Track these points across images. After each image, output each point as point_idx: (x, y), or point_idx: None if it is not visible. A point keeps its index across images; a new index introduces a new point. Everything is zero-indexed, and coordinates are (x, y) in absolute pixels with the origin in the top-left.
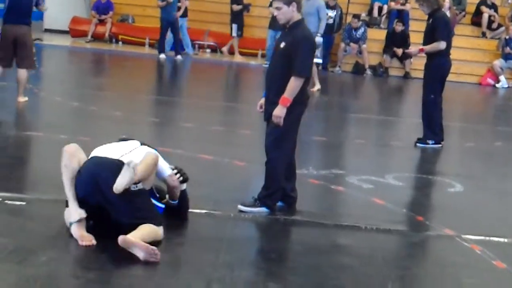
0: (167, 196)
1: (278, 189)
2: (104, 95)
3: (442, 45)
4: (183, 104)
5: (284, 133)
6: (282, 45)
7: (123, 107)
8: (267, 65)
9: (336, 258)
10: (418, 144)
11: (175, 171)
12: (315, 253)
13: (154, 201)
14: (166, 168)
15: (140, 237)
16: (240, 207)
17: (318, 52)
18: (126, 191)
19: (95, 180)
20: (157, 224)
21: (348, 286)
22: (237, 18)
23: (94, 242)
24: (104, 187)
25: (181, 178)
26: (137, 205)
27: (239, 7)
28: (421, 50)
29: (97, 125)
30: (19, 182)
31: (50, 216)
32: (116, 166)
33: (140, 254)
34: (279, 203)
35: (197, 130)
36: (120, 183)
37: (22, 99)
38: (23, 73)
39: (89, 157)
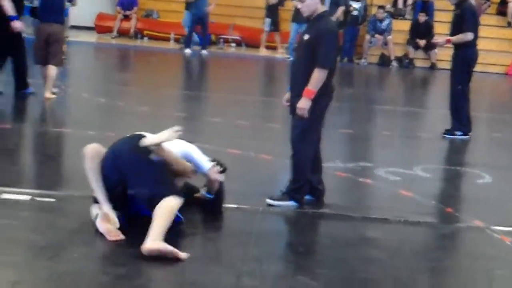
0: (202, 190)
1: (305, 182)
2: (131, 90)
3: (469, 36)
4: (209, 99)
5: (309, 126)
6: (306, 37)
7: (149, 102)
8: (290, 59)
9: (365, 251)
10: (446, 135)
11: (214, 162)
12: (343, 246)
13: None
14: (205, 161)
15: (159, 234)
16: (269, 201)
17: None
18: (146, 159)
19: (114, 154)
20: (178, 195)
21: (376, 279)
22: (271, 12)
23: (122, 236)
24: (123, 158)
25: (220, 169)
26: (156, 177)
27: (274, 1)
28: (448, 41)
29: (124, 120)
30: (49, 179)
31: (80, 213)
32: (136, 138)
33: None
34: (307, 197)
35: (224, 125)
36: (152, 138)
37: (50, 95)
38: (52, 69)
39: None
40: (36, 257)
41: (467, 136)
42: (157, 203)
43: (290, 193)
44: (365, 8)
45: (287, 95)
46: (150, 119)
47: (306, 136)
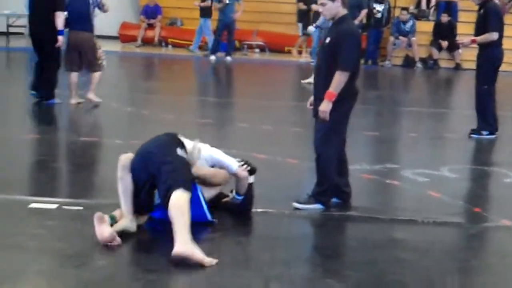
0: (231, 192)
1: (331, 184)
2: (156, 98)
3: (494, 36)
4: (234, 105)
5: (333, 129)
6: (328, 40)
7: (175, 109)
8: (313, 63)
9: (393, 252)
10: (472, 135)
11: (242, 162)
12: (371, 248)
13: (204, 209)
14: (233, 162)
15: (186, 235)
16: (295, 204)
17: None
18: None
19: (144, 153)
20: (186, 189)
21: (406, 280)
22: (302, 17)
23: (117, 240)
24: (154, 158)
25: (249, 168)
26: (175, 165)
27: (303, 6)
28: (473, 41)
29: (150, 129)
30: (76, 187)
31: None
32: (170, 138)
33: (195, 262)
34: (334, 199)
35: (250, 130)
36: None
37: (94, 98)
38: (94, 76)
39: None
40: (63, 266)
41: (493, 136)
42: (169, 196)
43: (316, 196)
44: (389, 10)
45: (311, 99)
46: (176, 126)
47: (329, 139)
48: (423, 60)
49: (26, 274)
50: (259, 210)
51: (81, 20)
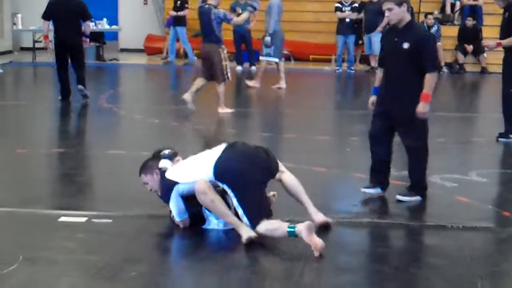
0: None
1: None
2: (183, 110)
3: None
4: (259, 114)
5: (427, 126)
6: (406, 46)
7: (202, 120)
8: (339, 70)
9: (424, 258)
10: (500, 139)
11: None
12: (402, 254)
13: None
14: None
15: None
16: (398, 197)
17: (270, 50)
18: None
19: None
20: None
21: (437, 286)
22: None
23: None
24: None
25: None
26: None
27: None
28: (498, 44)
29: (178, 140)
30: (104, 200)
31: (135, 232)
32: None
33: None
34: (379, 189)
35: (273, 138)
36: None
37: (222, 110)
38: (218, 87)
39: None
40: (95, 278)
41: None
42: None
43: (419, 191)
44: (412, 15)
45: (373, 99)
46: (204, 137)
47: (424, 135)
48: (448, 65)
49: (58, 287)
50: (287, 218)
51: (207, 33)
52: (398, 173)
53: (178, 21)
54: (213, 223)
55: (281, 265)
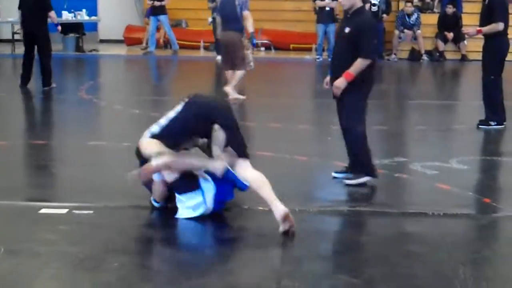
0: None
1: (366, 152)
2: (164, 100)
3: (500, 26)
4: (240, 104)
5: (355, 107)
6: (347, 30)
7: None
8: (319, 59)
9: (405, 246)
10: (480, 126)
11: None
12: (383, 242)
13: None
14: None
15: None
16: (346, 181)
17: None
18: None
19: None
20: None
21: (419, 273)
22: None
23: None
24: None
25: None
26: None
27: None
28: (478, 31)
29: None
30: (85, 191)
31: (117, 223)
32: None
33: (286, 227)
34: (367, 177)
35: (257, 128)
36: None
37: (233, 94)
38: (236, 73)
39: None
40: (77, 269)
41: (501, 126)
42: None
43: (360, 169)
44: (387, 3)
45: (327, 79)
46: None
47: (354, 117)
48: (429, 53)
49: (39, 279)
50: (268, 208)
51: (226, 21)
52: (379, 161)
53: (160, 10)
54: (184, 212)
55: (260, 253)
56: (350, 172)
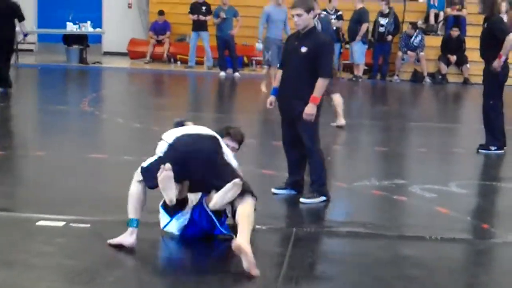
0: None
1: (326, 173)
2: (165, 115)
3: (511, 37)
4: (241, 120)
5: (317, 127)
6: (304, 50)
7: None
8: None
9: (402, 269)
10: (480, 151)
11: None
12: (380, 265)
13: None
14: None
15: (248, 237)
16: (302, 200)
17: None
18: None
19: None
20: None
21: None
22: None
23: None
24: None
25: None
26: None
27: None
28: (500, 57)
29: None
30: (83, 204)
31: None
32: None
33: (245, 264)
34: (292, 191)
35: (257, 145)
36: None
37: (341, 122)
38: (337, 97)
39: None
40: (72, 283)
41: (502, 151)
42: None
43: (319, 190)
44: (395, 24)
45: (271, 98)
46: None
47: (317, 136)
48: (431, 75)
49: None
50: (264, 227)
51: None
52: (379, 183)
53: (203, 27)
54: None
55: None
56: (290, 188)
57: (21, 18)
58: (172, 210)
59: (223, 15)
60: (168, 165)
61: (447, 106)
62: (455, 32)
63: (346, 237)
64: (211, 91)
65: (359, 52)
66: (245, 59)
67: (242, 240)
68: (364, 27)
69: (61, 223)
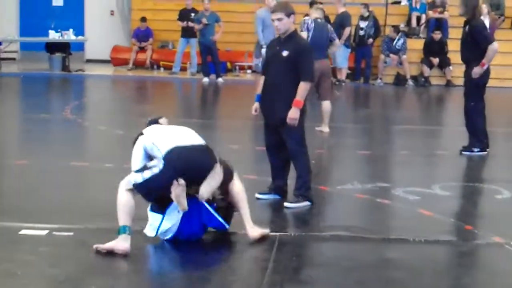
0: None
1: (310, 178)
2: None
3: (495, 46)
4: (225, 126)
5: (302, 131)
6: (285, 53)
7: None
8: None
9: (385, 272)
10: (463, 152)
11: None
12: (363, 268)
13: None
14: None
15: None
16: (286, 204)
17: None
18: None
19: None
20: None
21: None
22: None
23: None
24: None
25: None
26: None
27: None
28: (483, 65)
29: None
30: (66, 212)
31: (97, 244)
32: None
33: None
34: (276, 196)
35: (242, 151)
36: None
37: (325, 129)
38: (327, 104)
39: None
40: None
41: (484, 152)
42: None
43: (304, 195)
44: (375, 27)
45: (256, 105)
46: None
47: (302, 140)
48: (414, 78)
49: None
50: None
51: (322, 48)
52: (362, 186)
53: (192, 33)
54: (148, 229)
55: (240, 278)
56: (274, 193)
57: None
58: (162, 207)
59: (205, 21)
60: (182, 181)
61: (430, 108)
62: (437, 35)
63: (330, 240)
64: (195, 97)
65: (342, 56)
66: (229, 64)
67: (254, 231)
68: (346, 31)
69: (44, 232)
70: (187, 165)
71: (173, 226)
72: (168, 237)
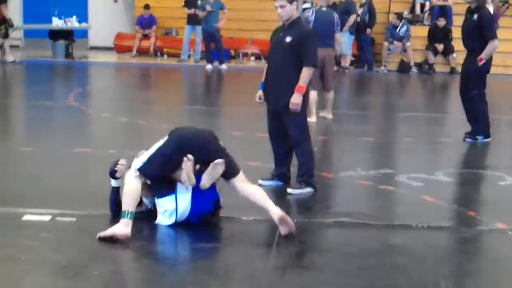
0: None
1: (314, 164)
2: (152, 108)
3: (496, 43)
4: (228, 113)
5: (305, 117)
6: (288, 39)
7: (171, 119)
8: None
9: (388, 258)
10: (467, 139)
11: None
12: (367, 254)
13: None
14: None
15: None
16: (289, 190)
17: None
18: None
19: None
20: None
21: (401, 285)
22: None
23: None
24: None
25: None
26: None
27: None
28: (480, 60)
29: (145, 139)
30: (69, 198)
31: (100, 231)
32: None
33: (284, 231)
34: (279, 182)
35: (244, 138)
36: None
37: (328, 115)
38: (331, 94)
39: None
40: (58, 277)
41: (488, 139)
42: None
43: (307, 181)
44: (370, 13)
45: (260, 93)
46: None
47: (305, 127)
48: (418, 65)
49: (20, 286)
50: (251, 218)
51: (328, 36)
52: (366, 173)
53: (198, 20)
54: (161, 218)
55: (242, 263)
56: (277, 180)
57: None
58: (169, 189)
59: (208, 8)
60: (190, 156)
61: (434, 95)
62: (441, 22)
63: (333, 227)
64: (198, 84)
65: (346, 43)
66: (232, 51)
67: (280, 212)
68: (352, 18)
69: (47, 217)
70: (190, 139)
71: (188, 205)
72: (184, 217)
